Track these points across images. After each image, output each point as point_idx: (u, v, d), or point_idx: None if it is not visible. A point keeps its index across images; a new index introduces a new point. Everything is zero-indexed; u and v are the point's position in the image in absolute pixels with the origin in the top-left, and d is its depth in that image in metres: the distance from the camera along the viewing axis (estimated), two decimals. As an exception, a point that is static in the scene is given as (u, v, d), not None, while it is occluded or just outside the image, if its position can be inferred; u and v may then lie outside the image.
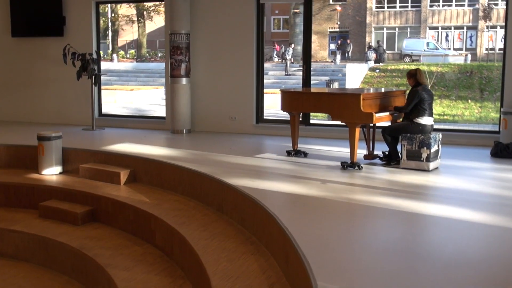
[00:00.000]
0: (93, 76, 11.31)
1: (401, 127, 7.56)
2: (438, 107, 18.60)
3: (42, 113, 12.64)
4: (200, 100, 11.52)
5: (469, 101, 19.71)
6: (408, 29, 41.62)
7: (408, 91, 7.81)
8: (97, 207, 7.68)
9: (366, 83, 23.67)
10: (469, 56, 33.09)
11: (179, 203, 7.23)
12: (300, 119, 8.79)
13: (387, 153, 8.06)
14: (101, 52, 13.02)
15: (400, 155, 7.60)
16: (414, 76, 7.58)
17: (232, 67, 11.22)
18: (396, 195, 6.19)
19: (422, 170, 7.40)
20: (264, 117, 11.25)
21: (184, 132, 11.19)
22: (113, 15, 43.54)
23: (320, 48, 44.04)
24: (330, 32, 43.99)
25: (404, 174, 7.26)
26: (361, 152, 8.08)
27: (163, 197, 7.53)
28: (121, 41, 47.29)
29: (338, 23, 43.46)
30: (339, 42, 41.16)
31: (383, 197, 6.13)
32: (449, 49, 37.47)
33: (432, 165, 7.43)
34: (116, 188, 8.01)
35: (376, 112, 7.51)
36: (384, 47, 34.83)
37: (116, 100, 19.65)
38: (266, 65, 31.22)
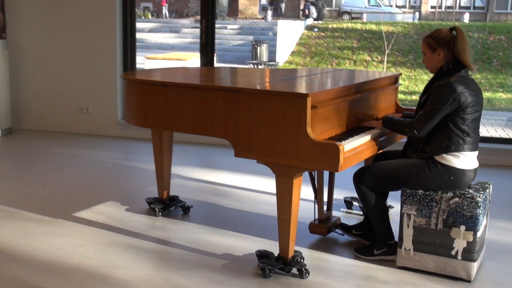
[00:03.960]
0: None
1: (401, 174, 3.12)
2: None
3: None
4: (27, 80, 6.70)
5: (431, 70, 15.68)
6: (347, -17, 37.43)
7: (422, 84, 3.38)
8: None
9: (303, 45, 19.21)
10: (417, 15, 29.32)
11: None
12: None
13: (363, 215, 3.69)
14: None
15: (399, 237, 3.21)
16: (447, 44, 3.12)
17: (81, 24, 6.46)
18: None
19: (451, 278, 3.06)
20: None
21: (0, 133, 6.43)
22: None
23: (250, 3, 39.25)
24: (262, -15, 39.17)
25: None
26: (306, 209, 3.63)
27: None
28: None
29: (271, -26, 38.64)
30: (271, -4, 36.48)
31: None
32: (391, 6, 33.62)
33: (476, 267, 3.09)
34: None
35: (344, 137, 3.05)
36: (323, 2, 30.51)
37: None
38: (184, 21, 26.37)
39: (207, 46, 6.30)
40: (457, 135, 3.04)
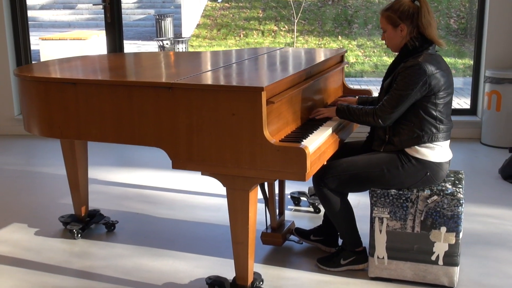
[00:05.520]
0: None
1: (370, 172, 2.67)
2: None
3: None
4: None
5: (340, 37, 15.56)
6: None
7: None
8: None
9: (208, 17, 18.47)
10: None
11: None
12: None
13: (322, 218, 3.24)
14: None
15: (370, 245, 2.78)
16: (410, 17, 2.66)
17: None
18: None
19: (431, 286, 2.68)
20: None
21: None
22: None
23: (147, -26, 37.59)
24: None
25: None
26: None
27: None
28: None
29: None
30: (168, -34, 35.07)
31: None
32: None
33: (458, 271, 2.72)
34: None
35: (302, 135, 2.54)
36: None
37: None
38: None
39: (113, 25, 5.55)
40: (430, 123, 2.63)
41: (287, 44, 15.05)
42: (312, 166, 2.37)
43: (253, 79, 2.72)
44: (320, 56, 3.33)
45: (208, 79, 2.61)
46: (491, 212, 3.57)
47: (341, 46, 14.62)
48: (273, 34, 16.63)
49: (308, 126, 2.73)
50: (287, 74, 2.62)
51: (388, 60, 12.28)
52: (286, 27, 16.79)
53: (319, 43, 15.31)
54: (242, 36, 16.74)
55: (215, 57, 3.45)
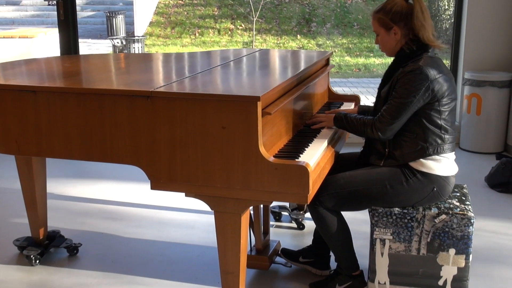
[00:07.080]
0: None
1: (372, 189, 2.40)
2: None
3: None
4: None
5: (299, 36, 15.37)
6: None
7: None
8: None
9: (161, 15, 17.95)
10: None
11: None
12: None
13: (312, 237, 2.98)
14: None
15: (370, 269, 2.51)
16: (404, 19, 2.39)
17: None
18: None
19: (436, 312, 2.44)
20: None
21: None
22: None
23: (96, -30, 36.53)
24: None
25: None
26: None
27: None
28: None
29: None
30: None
31: None
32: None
33: (466, 295, 2.49)
34: None
35: (297, 149, 2.25)
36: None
37: None
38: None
39: (67, 23, 5.10)
40: (434, 134, 2.38)
41: (245, 44, 14.77)
42: (314, 186, 2.08)
43: (245, 86, 2.40)
44: (307, 59, 3.04)
45: (193, 86, 2.28)
46: (483, 225, 3.37)
47: (301, 46, 14.43)
48: (229, 32, 16.29)
49: (300, 138, 2.44)
50: (280, 80, 2.32)
51: (351, 60, 12.15)
52: (243, 25, 16.49)
53: (278, 42, 15.07)
54: (197, 34, 16.33)
55: (193, 60, 3.11)
